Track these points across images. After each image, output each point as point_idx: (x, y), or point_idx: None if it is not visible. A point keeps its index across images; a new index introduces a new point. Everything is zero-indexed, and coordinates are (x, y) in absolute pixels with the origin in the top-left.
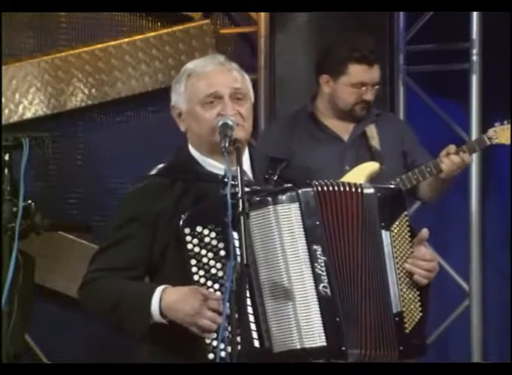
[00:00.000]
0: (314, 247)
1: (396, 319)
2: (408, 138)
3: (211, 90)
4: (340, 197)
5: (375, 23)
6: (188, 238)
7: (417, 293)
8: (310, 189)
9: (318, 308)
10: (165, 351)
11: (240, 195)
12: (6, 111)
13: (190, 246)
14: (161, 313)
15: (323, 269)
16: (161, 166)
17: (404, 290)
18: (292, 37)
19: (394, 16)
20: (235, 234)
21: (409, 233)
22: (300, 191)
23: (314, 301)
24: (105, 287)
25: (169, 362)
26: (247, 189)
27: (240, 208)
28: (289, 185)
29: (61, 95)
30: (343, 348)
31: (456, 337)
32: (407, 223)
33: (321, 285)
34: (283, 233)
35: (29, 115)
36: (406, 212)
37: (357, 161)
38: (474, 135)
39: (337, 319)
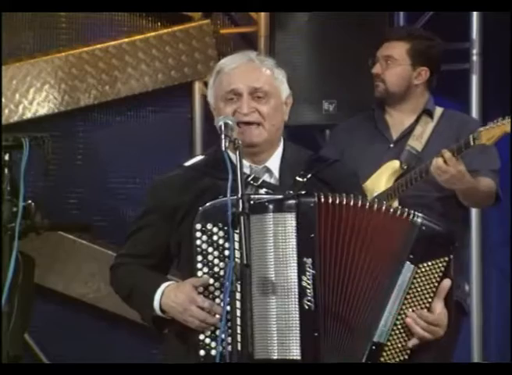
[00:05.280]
0: (305, 259)
1: (373, 347)
2: None
3: (231, 87)
4: (348, 211)
5: (375, 23)
6: (198, 234)
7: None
8: (311, 199)
9: (298, 321)
10: (170, 345)
11: (240, 195)
12: (6, 111)
13: (198, 242)
14: (161, 309)
15: (310, 282)
16: (198, 157)
17: (400, 327)
18: (292, 37)
19: (394, 16)
20: (235, 234)
21: (439, 278)
22: (299, 201)
23: (295, 314)
24: (123, 274)
25: (176, 355)
26: (263, 192)
27: (240, 208)
28: (301, 193)
29: (61, 95)
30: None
31: None
32: (442, 269)
33: (306, 298)
34: (276, 242)
35: (29, 115)
36: (446, 258)
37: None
38: None
39: (316, 334)
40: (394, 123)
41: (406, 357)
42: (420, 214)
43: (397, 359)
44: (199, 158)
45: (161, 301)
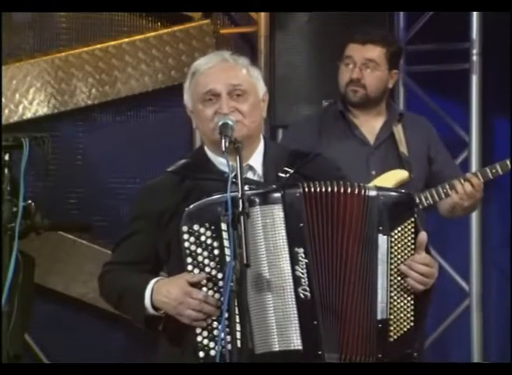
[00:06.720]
0: (296, 249)
1: (380, 326)
2: (434, 144)
3: (208, 87)
4: (328, 198)
5: (375, 23)
6: (185, 236)
7: (411, 302)
8: (296, 190)
9: (296, 311)
10: (164, 349)
11: (240, 195)
12: (6, 111)
13: (186, 244)
14: (153, 306)
15: (304, 271)
16: (179, 162)
17: (396, 297)
18: (292, 37)
19: (394, 16)
20: (225, 233)
21: (413, 240)
22: (285, 192)
23: (292, 304)
24: (112, 280)
25: (173, 356)
26: (247, 188)
27: (240, 208)
28: (285, 184)
29: (61, 95)
30: (319, 352)
31: (456, 337)
32: (413, 230)
33: (301, 288)
34: (267, 235)
35: (29, 115)
36: (412, 218)
37: (383, 166)
38: (474, 135)
39: (315, 322)
40: (362, 124)
41: (411, 324)
42: (370, 186)
43: (405, 329)
44: (181, 162)
45: (152, 297)
